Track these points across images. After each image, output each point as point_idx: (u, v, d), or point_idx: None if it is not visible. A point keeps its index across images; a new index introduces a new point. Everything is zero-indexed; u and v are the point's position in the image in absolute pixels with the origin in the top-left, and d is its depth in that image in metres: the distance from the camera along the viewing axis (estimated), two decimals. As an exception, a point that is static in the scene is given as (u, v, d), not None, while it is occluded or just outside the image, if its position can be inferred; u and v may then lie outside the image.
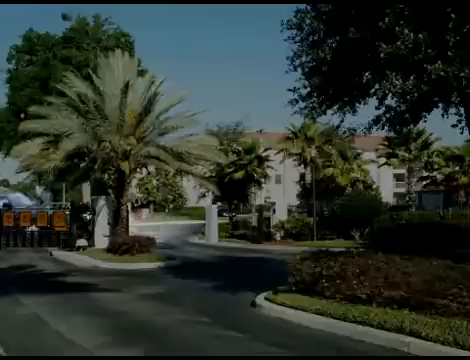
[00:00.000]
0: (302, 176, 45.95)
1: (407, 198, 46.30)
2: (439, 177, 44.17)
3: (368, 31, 8.96)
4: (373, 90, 9.69)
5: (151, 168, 25.25)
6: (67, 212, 21.05)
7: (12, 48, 35.63)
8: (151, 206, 59.98)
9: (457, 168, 41.62)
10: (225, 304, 10.46)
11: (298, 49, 10.53)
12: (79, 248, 20.17)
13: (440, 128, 67.03)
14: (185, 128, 21.00)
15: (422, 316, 7.45)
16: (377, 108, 10.34)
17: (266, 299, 9.80)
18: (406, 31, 8.45)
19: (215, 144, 23.98)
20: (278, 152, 42.37)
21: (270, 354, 7.02)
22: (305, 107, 10.87)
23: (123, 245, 18.22)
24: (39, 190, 55.60)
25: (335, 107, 10.83)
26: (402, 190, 54.93)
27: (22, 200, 25.10)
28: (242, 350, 7.18)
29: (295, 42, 10.55)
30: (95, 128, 19.54)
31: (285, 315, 8.88)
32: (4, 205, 22.13)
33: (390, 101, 10.16)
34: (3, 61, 40.66)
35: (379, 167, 48.69)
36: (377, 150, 47.37)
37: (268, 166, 41.63)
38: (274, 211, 29.79)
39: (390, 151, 44.97)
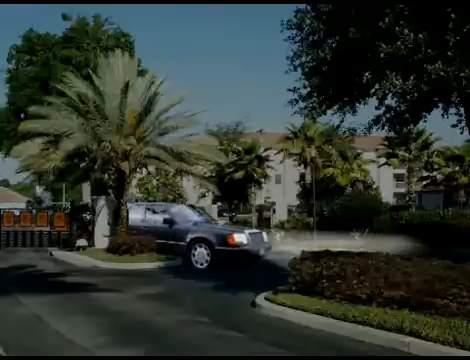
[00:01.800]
0: (302, 176, 46.06)
1: (407, 198, 46.34)
2: (439, 177, 44.25)
3: (368, 31, 8.95)
4: (373, 90, 9.67)
5: (151, 168, 25.19)
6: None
7: (12, 48, 35.67)
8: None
9: (457, 168, 41.69)
10: (225, 304, 10.46)
11: (298, 49, 10.51)
12: (79, 248, 20.13)
13: (440, 128, 67.13)
14: (185, 128, 20.96)
15: (422, 316, 7.45)
16: (377, 108, 10.33)
17: (266, 299, 9.78)
18: (406, 31, 8.44)
19: (215, 144, 23.96)
20: (278, 152, 42.46)
21: (270, 354, 7.03)
22: (305, 107, 10.86)
23: (123, 245, 18.19)
24: (39, 190, 55.69)
25: (335, 107, 10.82)
26: (402, 190, 55.01)
27: (186, 212, 19.96)
28: (242, 350, 7.18)
29: (295, 42, 10.53)
30: (95, 128, 19.50)
31: (285, 315, 8.87)
32: (165, 221, 18.47)
33: (390, 101, 10.16)
34: (3, 61, 40.73)
35: (379, 167, 48.75)
36: (377, 150, 47.43)
37: (268, 166, 41.69)
38: (274, 211, 29.86)
39: (390, 151, 45.02)
